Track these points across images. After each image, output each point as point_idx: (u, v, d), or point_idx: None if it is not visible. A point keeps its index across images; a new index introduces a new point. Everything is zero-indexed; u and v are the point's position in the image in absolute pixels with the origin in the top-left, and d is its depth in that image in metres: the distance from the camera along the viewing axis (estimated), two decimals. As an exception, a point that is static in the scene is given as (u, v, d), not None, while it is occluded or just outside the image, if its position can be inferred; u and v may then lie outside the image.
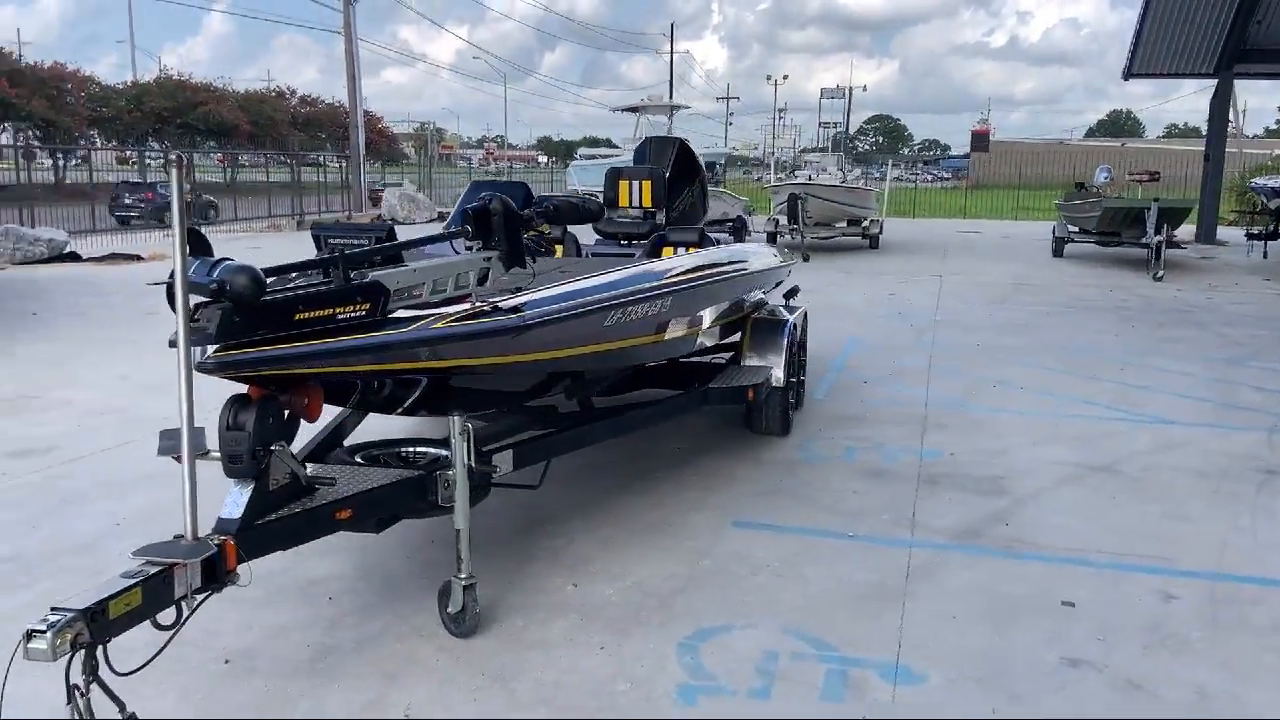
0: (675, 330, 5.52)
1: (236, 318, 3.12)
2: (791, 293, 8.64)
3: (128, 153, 39.58)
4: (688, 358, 6.65)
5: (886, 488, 6.05)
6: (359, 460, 4.32)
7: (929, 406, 8.09)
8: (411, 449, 4.55)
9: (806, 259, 19.76)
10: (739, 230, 22.85)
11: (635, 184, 8.09)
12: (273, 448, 3.34)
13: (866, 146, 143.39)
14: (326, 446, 4.43)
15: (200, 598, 3.13)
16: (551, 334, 4.17)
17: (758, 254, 7.66)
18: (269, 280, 3.24)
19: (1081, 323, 12.53)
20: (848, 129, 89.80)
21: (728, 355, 7.07)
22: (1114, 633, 4.22)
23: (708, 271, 5.80)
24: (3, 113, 33.71)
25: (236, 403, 3.32)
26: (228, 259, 3.17)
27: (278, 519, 3.40)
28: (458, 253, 4.02)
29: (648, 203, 8.06)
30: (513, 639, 4.08)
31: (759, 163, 40.07)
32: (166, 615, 3.04)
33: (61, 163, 36.87)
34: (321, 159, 39.86)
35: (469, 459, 3.93)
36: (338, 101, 53.44)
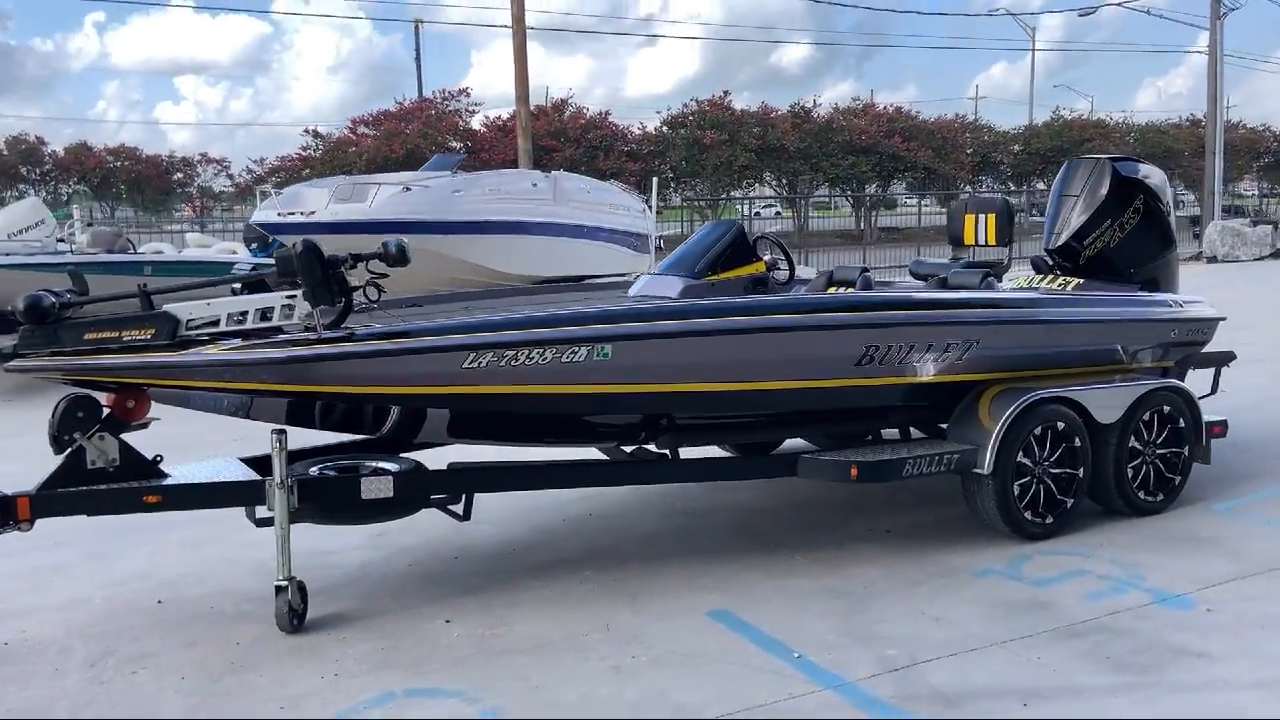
0: (694, 382, 4.96)
1: (33, 335, 4.27)
2: (1191, 360, 6.42)
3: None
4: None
5: (992, 625, 4.55)
6: (305, 469, 4.96)
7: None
8: (368, 463, 5.06)
9: None
10: None
11: (981, 218, 6.88)
12: (74, 435, 4.40)
13: None
14: (292, 457, 5.12)
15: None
16: (379, 368, 4.38)
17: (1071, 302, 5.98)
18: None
19: None
20: None
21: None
22: None
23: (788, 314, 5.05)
24: (894, 165, 37.97)
25: (63, 399, 4.46)
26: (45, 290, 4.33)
27: (82, 490, 4.43)
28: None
29: (992, 240, 6.81)
30: (304, 644, 4.46)
31: None
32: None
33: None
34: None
35: (283, 474, 4.45)
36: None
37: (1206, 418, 6.18)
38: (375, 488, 4.72)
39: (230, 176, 42.60)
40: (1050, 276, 6.86)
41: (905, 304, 5.42)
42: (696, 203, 35.59)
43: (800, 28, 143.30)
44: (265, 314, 4.42)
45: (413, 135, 30.73)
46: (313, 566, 5.33)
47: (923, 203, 39.72)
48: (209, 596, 5.06)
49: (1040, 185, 42.93)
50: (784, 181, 37.55)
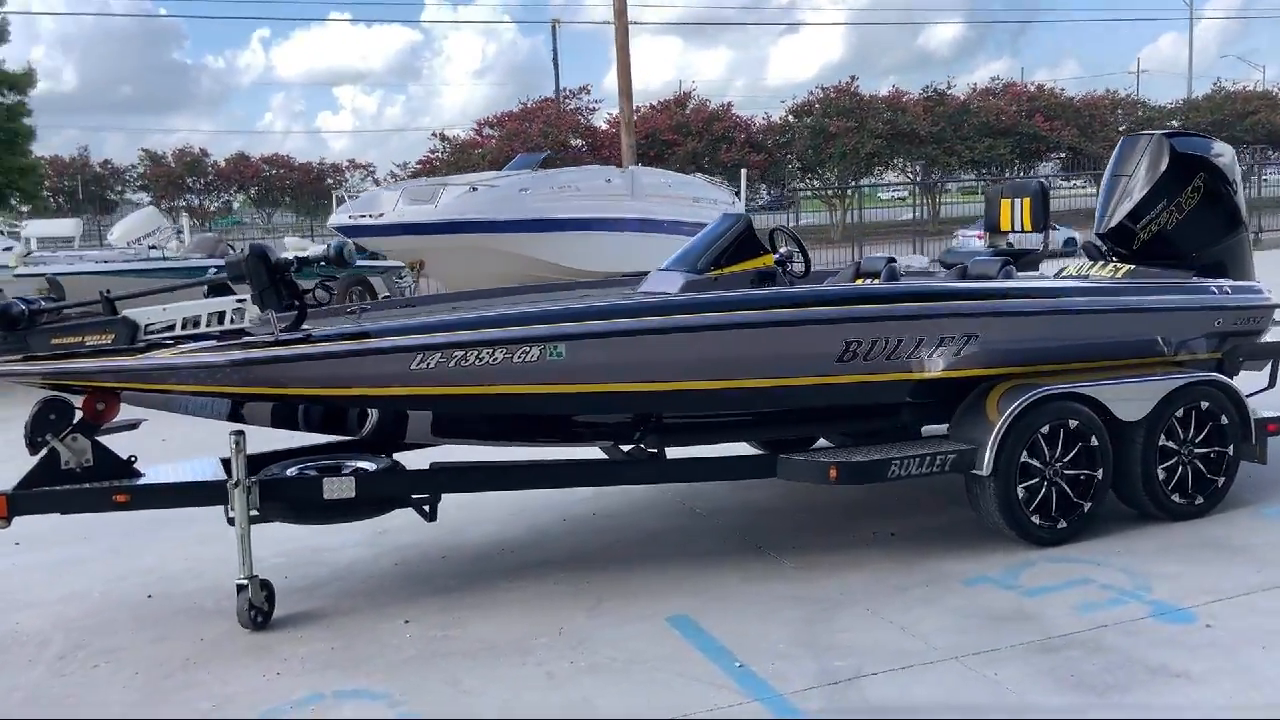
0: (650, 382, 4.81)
1: (5, 341, 4.47)
2: (1242, 351, 5.85)
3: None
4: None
5: (960, 636, 4.28)
6: (283, 469, 5.04)
7: None
8: (348, 464, 5.09)
9: None
10: None
11: (1017, 202, 6.47)
12: (46, 437, 4.57)
13: None
14: (271, 458, 5.19)
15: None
16: (326, 369, 4.41)
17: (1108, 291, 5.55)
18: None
19: None
20: None
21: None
22: None
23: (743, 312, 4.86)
24: (1036, 146, 36.33)
25: (37, 402, 4.64)
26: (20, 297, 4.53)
27: (55, 490, 4.61)
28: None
29: (1028, 225, 6.39)
30: (261, 642, 4.52)
31: None
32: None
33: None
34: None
35: (242, 474, 4.53)
36: None
37: (1262, 414, 5.65)
38: (337, 488, 4.74)
39: (376, 181, 44.33)
40: (1102, 263, 6.40)
41: (889, 297, 5.12)
42: (823, 191, 34.95)
43: (950, 8, 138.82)
44: (220, 318, 4.51)
45: (534, 134, 31.19)
46: (303, 564, 5.44)
47: (1072, 184, 37.88)
48: (197, 592, 5.19)
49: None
50: (914, 167, 36.40)
